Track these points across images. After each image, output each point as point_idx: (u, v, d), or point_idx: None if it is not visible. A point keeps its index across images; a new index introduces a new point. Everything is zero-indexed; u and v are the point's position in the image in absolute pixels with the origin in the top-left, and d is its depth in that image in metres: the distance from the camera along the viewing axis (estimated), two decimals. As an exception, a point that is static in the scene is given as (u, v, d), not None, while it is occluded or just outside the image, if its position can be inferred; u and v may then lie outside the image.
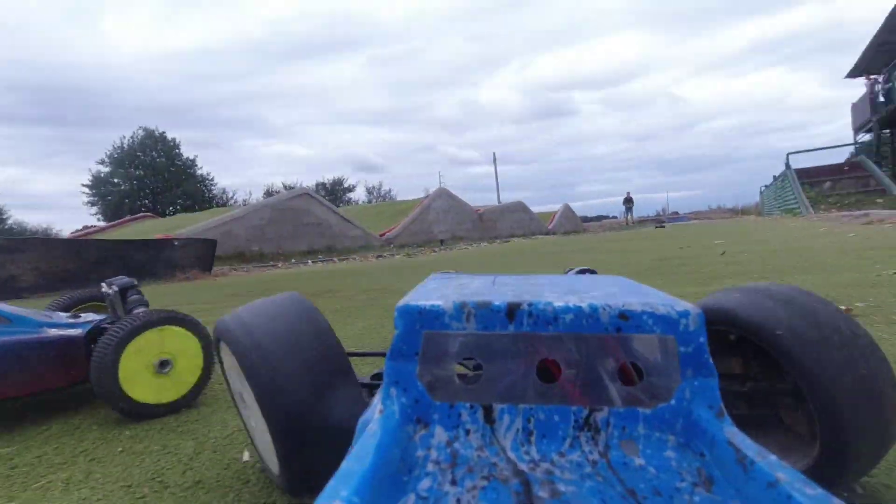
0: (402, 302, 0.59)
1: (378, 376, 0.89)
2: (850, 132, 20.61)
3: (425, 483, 0.47)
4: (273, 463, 0.82)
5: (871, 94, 17.87)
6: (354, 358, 1.36)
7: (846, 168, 18.22)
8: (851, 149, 21.26)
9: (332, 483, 0.39)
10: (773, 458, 0.44)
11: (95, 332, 1.49)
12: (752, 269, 3.43)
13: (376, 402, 0.58)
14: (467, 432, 0.54)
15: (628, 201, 30.83)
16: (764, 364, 0.78)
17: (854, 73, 19.53)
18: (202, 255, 9.18)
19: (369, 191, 55.52)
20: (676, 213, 54.41)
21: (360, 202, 50.87)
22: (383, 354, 0.87)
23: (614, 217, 56.63)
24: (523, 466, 0.50)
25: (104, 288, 1.68)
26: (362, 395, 0.80)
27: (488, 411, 0.55)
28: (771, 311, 0.70)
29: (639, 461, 0.52)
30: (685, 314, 0.56)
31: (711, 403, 0.54)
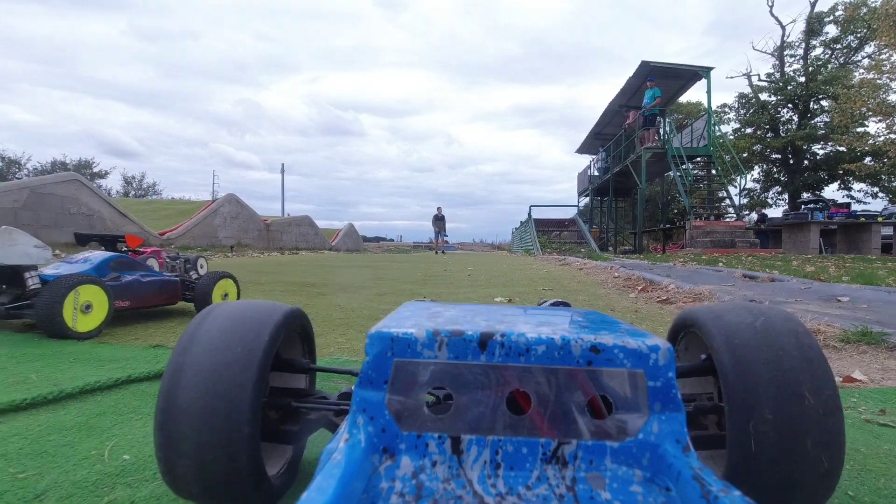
0: (374, 329, 0.58)
1: (346, 395, 0.88)
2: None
3: None
4: None
5: (589, 169, 23.96)
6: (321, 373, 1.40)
7: (567, 223, 23.91)
8: (582, 205, 27.45)
9: None
10: (736, 493, 0.44)
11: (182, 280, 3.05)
12: (480, 281, 5.40)
13: (342, 429, 0.57)
14: (434, 463, 0.53)
15: (439, 220, 20.55)
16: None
17: (580, 150, 25.92)
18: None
19: (127, 181, 48.21)
20: (447, 241, 61.01)
21: (117, 193, 44.81)
22: (351, 372, 0.89)
23: (391, 240, 61.86)
24: (489, 500, 0.49)
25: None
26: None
27: (456, 442, 0.54)
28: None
29: (605, 495, 0.51)
30: (655, 349, 0.56)
31: (678, 438, 0.54)
